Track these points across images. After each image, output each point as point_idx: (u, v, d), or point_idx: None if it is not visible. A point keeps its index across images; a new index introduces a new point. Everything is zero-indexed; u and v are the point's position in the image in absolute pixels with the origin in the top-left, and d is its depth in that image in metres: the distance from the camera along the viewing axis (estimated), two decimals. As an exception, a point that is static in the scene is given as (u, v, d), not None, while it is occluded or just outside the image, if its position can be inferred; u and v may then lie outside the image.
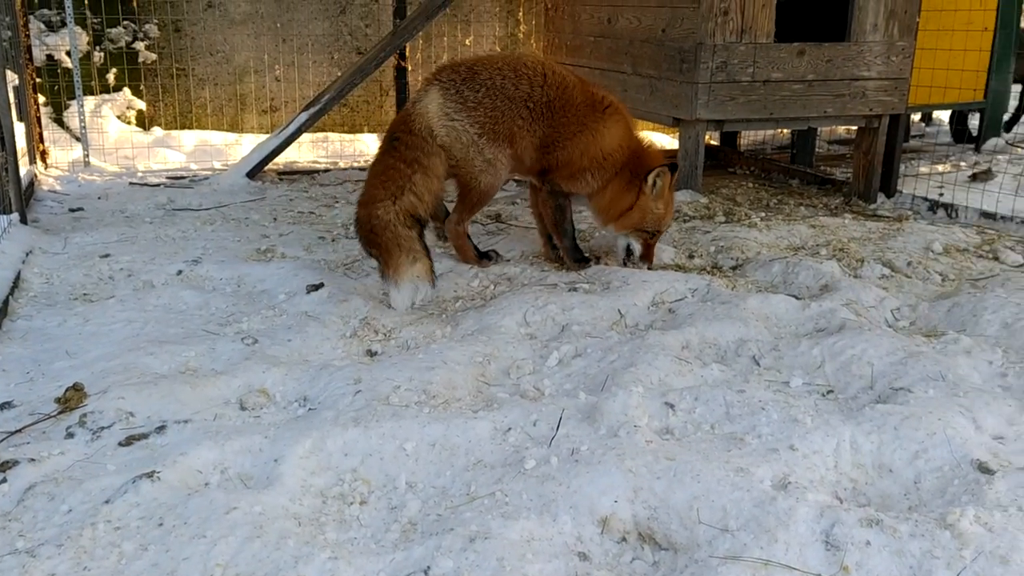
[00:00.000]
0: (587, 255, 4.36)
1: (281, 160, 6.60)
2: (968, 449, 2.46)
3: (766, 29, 5.68)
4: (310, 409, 2.80)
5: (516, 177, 4.83)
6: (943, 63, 6.90)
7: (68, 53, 6.70)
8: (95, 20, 6.95)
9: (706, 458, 2.40)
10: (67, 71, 6.80)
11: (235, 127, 7.47)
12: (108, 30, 7.02)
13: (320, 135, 7.44)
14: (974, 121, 8.42)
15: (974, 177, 6.59)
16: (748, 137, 8.26)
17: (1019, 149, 7.79)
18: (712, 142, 7.69)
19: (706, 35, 5.56)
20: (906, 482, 2.44)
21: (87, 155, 6.60)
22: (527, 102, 4.03)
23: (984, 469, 2.37)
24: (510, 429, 2.61)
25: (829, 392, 2.97)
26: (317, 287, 3.76)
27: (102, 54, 7.06)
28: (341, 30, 7.55)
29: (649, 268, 4.16)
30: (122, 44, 7.08)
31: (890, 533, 2.07)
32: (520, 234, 4.86)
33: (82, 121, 6.57)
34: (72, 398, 2.78)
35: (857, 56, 5.88)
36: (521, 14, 7.89)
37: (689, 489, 2.26)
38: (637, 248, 4.21)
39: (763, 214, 5.48)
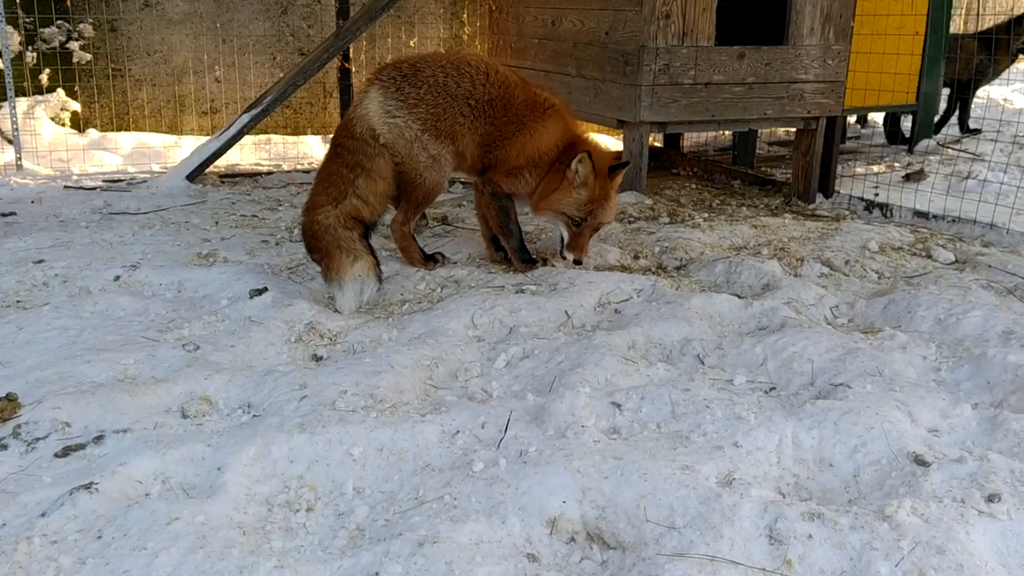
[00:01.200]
0: (534, 256, 4.34)
1: (222, 163, 6.49)
2: (904, 442, 2.53)
3: (707, 32, 5.77)
4: (254, 416, 2.75)
5: (461, 178, 4.83)
6: (877, 67, 7.08)
7: (-2, 53, 6.49)
8: (27, 19, 6.75)
9: (652, 457, 2.43)
10: (-3, 71, 6.59)
11: (174, 129, 7.32)
12: (41, 30, 6.81)
13: (263, 137, 7.33)
14: (907, 123, 8.67)
15: (907, 177, 6.79)
16: (691, 139, 8.38)
17: (950, 150, 8.04)
18: (656, 144, 7.78)
19: (648, 38, 5.63)
20: (846, 476, 2.49)
21: (19, 158, 6.40)
22: (468, 99, 4.06)
23: (920, 461, 2.44)
24: (458, 432, 2.61)
25: (772, 389, 3.03)
26: (261, 291, 3.70)
27: (35, 54, 6.85)
28: (283, 31, 7.45)
29: (576, 261, 4.07)
30: (56, 44, 6.88)
31: (831, 526, 2.12)
32: (467, 236, 4.85)
33: (14, 123, 6.37)
34: (5, 408, 2.69)
35: (795, 59, 6.01)
36: (465, 16, 7.89)
37: (636, 488, 2.28)
38: (565, 236, 4.10)
39: (706, 215, 5.56)
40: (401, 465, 2.47)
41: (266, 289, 3.72)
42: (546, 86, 4.65)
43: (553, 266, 4.26)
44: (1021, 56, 8.60)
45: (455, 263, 4.38)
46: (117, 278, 3.97)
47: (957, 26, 11.08)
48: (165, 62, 7.22)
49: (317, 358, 3.25)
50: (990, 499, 2.21)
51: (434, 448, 2.54)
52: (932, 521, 2.13)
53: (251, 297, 3.67)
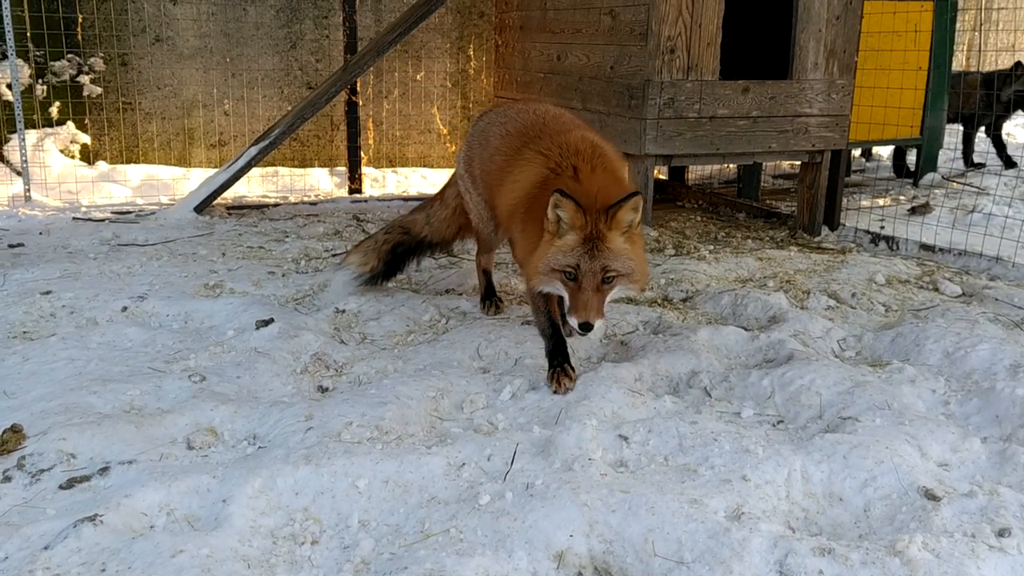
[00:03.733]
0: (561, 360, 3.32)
1: (230, 195, 6.53)
2: (915, 476, 2.51)
3: (711, 67, 5.82)
4: (260, 447, 2.74)
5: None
6: (881, 101, 7.13)
7: (8, 86, 6.57)
8: (38, 53, 6.84)
9: (660, 490, 2.41)
10: (8, 104, 6.66)
11: (183, 161, 7.38)
12: (52, 63, 6.90)
13: (270, 169, 7.38)
14: (911, 156, 8.70)
15: (913, 211, 6.80)
16: (696, 172, 8.42)
17: (955, 184, 8.06)
18: (661, 177, 7.81)
19: (653, 72, 5.68)
20: (856, 510, 2.47)
21: (28, 190, 6.45)
22: (487, 142, 3.80)
23: (930, 496, 2.41)
24: (464, 464, 2.59)
25: (779, 422, 3.01)
26: (267, 323, 3.70)
27: (45, 87, 6.93)
28: (292, 65, 7.54)
29: (582, 326, 2.95)
30: (66, 77, 6.97)
31: (842, 562, 2.09)
32: (470, 268, 4.86)
33: (23, 155, 6.43)
34: (9, 440, 2.68)
35: (799, 93, 6.05)
36: (471, 50, 7.97)
37: (644, 522, 2.26)
38: (564, 298, 3.05)
39: (711, 247, 5.57)
40: (407, 497, 2.46)
41: (272, 320, 3.72)
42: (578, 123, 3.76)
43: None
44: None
45: (460, 295, 4.38)
46: (124, 309, 3.98)
47: (959, 62, 11.16)
48: (175, 96, 7.30)
49: (323, 389, 3.25)
50: (1000, 534, 2.19)
51: (440, 480, 2.52)
52: (943, 556, 2.11)
53: (257, 328, 3.67)
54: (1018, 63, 8.31)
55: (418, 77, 7.83)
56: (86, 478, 2.52)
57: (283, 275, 4.69)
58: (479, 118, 4.04)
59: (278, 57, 7.48)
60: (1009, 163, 8.65)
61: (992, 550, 2.16)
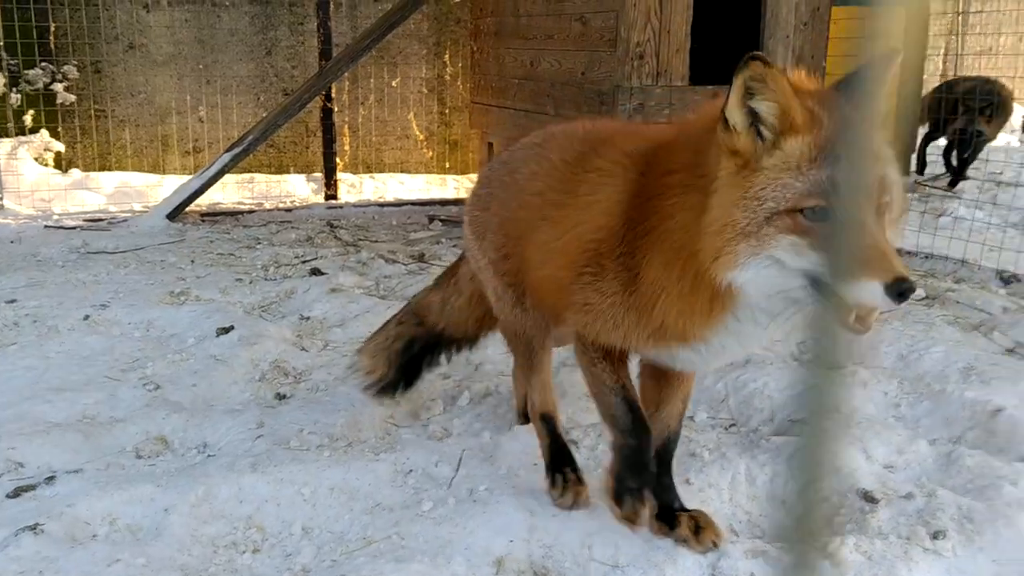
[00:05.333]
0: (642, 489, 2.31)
1: (204, 201, 6.53)
2: (856, 479, 2.53)
3: (681, 72, 5.85)
4: (208, 456, 2.75)
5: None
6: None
7: (-18, 94, 6.57)
8: (11, 61, 6.83)
9: (602, 493, 2.42)
10: (-19, 112, 6.66)
11: (157, 168, 7.37)
12: (25, 71, 6.90)
13: (246, 176, 7.38)
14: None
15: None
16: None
17: (926, 187, 8.11)
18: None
19: (623, 78, 5.71)
20: (798, 513, 2.49)
21: (1, 198, 6.44)
22: None
23: (869, 498, 2.44)
24: (411, 471, 2.61)
25: (732, 425, 3.03)
26: (227, 330, 3.71)
27: (19, 95, 6.92)
28: (267, 71, 7.55)
29: (895, 290, 1.69)
30: (40, 86, 6.96)
31: (774, 564, 2.11)
32: (438, 273, 4.86)
33: (-4, 163, 6.42)
34: (-41, 450, 2.68)
35: (769, 98, 6.08)
36: (447, 56, 8.00)
37: (584, 526, 2.28)
38: (798, 261, 1.84)
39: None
40: (352, 504, 2.47)
41: (232, 328, 3.73)
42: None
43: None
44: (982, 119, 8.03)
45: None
46: (87, 317, 3.98)
47: (937, 67, 11.23)
48: (149, 103, 7.30)
49: (280, 396, 3.25)
50: (935, 536, 2.21)
51: (386, 487, 2.53)
52: (875, 559, 2.13)
53: (217, 336, 3.68)
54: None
55: (394, 83, 7.85)
56: (32, 487, 2.52)
57: (251, 282, 4.69)
58: (491, 163, 3.00)
59: (253, 63, 7.49)
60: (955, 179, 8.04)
61: (926, 552, 2.19)
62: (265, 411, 2.99)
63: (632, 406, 2.28)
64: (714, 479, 2.56)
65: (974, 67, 11.48)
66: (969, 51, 11.55)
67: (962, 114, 7.59)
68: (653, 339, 2.09)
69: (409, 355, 3.01)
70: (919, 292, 4.67)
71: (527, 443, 2.70)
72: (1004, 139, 10.74)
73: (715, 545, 2.18)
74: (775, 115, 1.80)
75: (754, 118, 1.82)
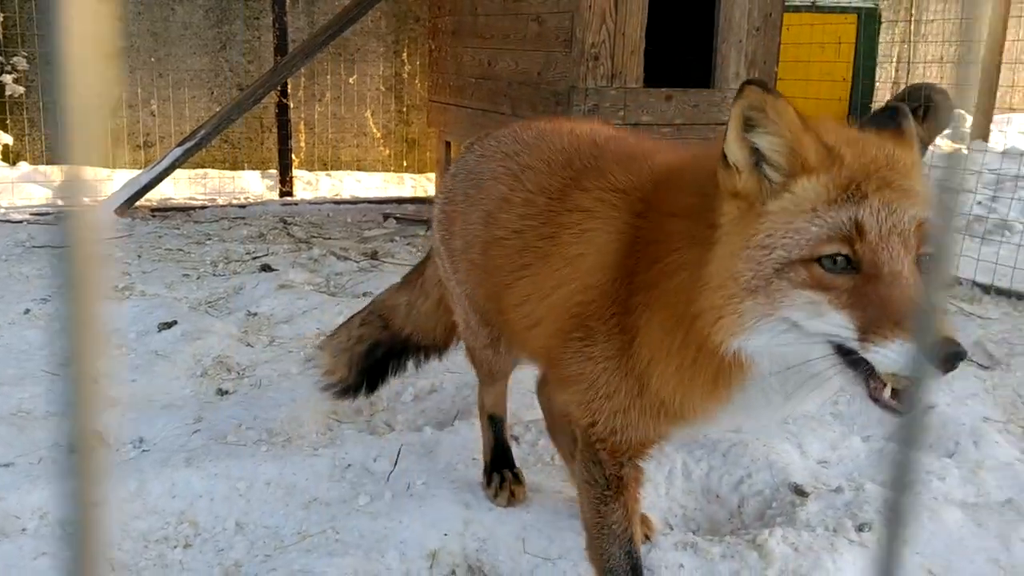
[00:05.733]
0: None
1: (155, 196, 6.44)
2: (788, 473, 2.58)
3: (635, 74, 5.90)
4: (144, 451, 2.72)
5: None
6: (804, 111, 7.29)
7: (-74, 84, 6.42)
8: (-43, 51, 6.68)
9: (539, 490, 2.45)
10: (-76, 102, 6.50)
11: (107, 162, 7.25)
12: (-28, 61, 6.75)
13: (199, 171, 7.30)
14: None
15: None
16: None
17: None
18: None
19: (578, 79, 5.74)
20: (731, 506, 2.53)
21: (-55, 190, 6.30)
22: None
23: (799, 492, 2.48)
24: (350, 466, 2.60)
25: (672, 422, 3.07)
26: (169, 325, 3.67)
27: (-35, 86, 6.78)
28: (222, 66, 7.46)
29: (943, 355, 1.33)
30: (-13, 76, 6.82)
31: (703, 555, 2.15)
32: (391, 270, 4.86)
33: (-61, 154, 6.27)
34: None
35: (722, 102, 6.16)
36: (406, 54, 7.98)
37: (519, 520, 2.30)
38: (817, 323, 1.50)
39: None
40: (288, 499, 2.46)
41: (175, 322, 3.69)
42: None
43: None
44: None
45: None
46: (27, 311, 3.91)
47: (889, 74, 11.46)
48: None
49: (222, 392, 3.22)
50: (861, 528, 2.26)
51: (323, 482, 2.52)
52: (802, 550, 2.17)
53: (159, 331, 3.64)
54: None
55: (351, 80, 7.81)
56: (-40, 482, 2.48)
57: (198, 278, 4.64)
58: (466, 152, 2.55)
59: (208, 57, 7.40)
60: None
61: (851, 544, 2.23)
62: (204, 406, 2.97)
63: (635, 564, 1.89)
64: (651, 474, 2.58)
65: (926, 75, 11.74)
66: (920, 59, 11.80)
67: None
68: (652, 417, 1.75)
69: (372, 360, 2.79)
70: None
71: (467, 438, 2.71)
72: (954, 146, 10.98)
73: (648, 539, 2.21)
74: (781, 152, 1.51)
75: (757, 155, 1.53)
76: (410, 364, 2.84)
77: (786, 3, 6.52)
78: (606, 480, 1.87)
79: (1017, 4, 10.86)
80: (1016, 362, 3.65)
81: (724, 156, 1.54)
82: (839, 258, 1.44)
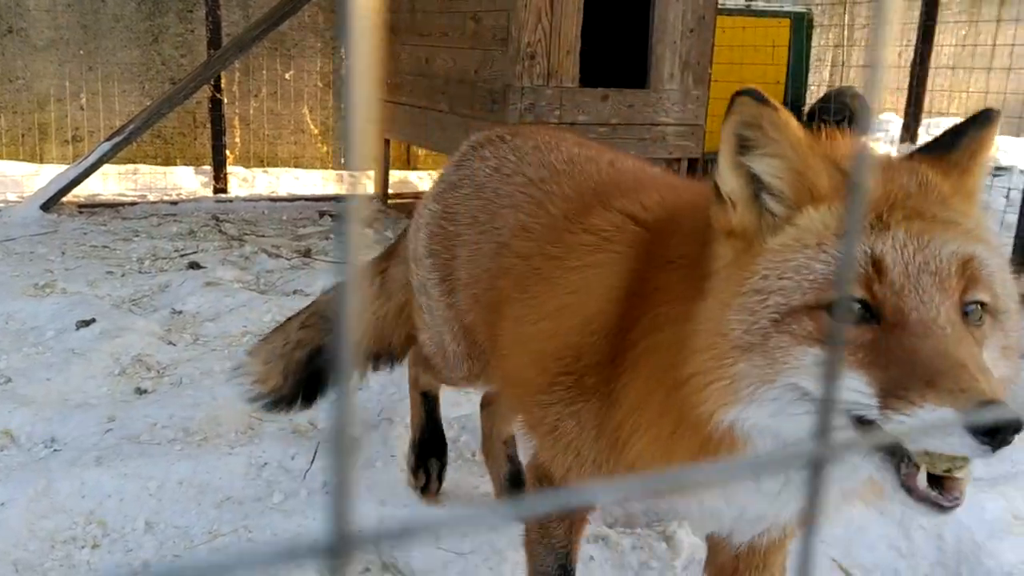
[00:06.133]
0: None
1: (83, 192, 6.29)
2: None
3: (571, 74, 5.95)
4: (55, 451, 2.66)
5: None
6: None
7: None
8: None
9: (456, 485, 2.45)
10: None
11: (35, 158, 7.07)
12: None
13: (130, 167, 7.14)
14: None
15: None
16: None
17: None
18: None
19: (514, 78, 5.76)
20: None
21: None
22: None
23: (712, 485, 2.54)
24: (266, 464, 2.58)
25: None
26: (88, 323, 3.59)
27: None
28: (154, 59, 7.32)
29: (985, 426, 1.04)
30: (-95, 66, 6.59)
31: (613, 548, 2.18)
32: (323, 269, 4.83)
33: None
34: None
35: (656, 103, 6.24)
36: (344, 51, 7.91)
37: (436, 514, 2.30)
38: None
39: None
40: (201, 498, 2.43)
41: (94, 320, 3.61)
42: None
43: None
44: None
45: (309, 296, 4.34)
46: (-58, 309, 3.79)
47: (823, 78, 11.72)
48: (27, 89, 6.99)
49: (140, 391, 3.17)
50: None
51: (238, 481, 2.50)
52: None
53: (77, 329, 3.56)
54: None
55: (288, 75, 7.73)
56: None
57: (123, 275, 4.55)
58: (470, 155, 2.22)
59: (139, 51, 7.26)
60: None
61: (759, 534, 2.28)
62: (120, 405, 2.91)
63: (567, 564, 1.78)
64: (568, 468, 2.61)
65: (860, 79, 12.04)
66: (854, 63, 12.10)
67: (816, 122, 8.02)
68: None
69: (313, 368, 2.46)
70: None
71: (386, 434, 2.71)
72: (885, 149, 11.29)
73: None
74: (784, 178, 1.27)
75: (756, 184, 1.30)
76: (355, 374, 2.50)
77: (720, 6, 6.63)
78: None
79: (945, 10, 11.21)
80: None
81: (716, 188, 1.31)
82: (854, 304, 1.17)
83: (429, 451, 2.43)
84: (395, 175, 7.74)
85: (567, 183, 1.84)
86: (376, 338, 2.46)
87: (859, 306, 1.17)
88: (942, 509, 1.13)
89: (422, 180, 8.04)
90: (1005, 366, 1.27)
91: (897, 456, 1.14)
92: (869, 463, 1.18)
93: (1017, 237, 4.75)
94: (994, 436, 1.02)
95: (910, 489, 1.13)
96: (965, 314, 1.19)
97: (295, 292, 4.45)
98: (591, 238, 1.60)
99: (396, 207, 6.83)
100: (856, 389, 1.13)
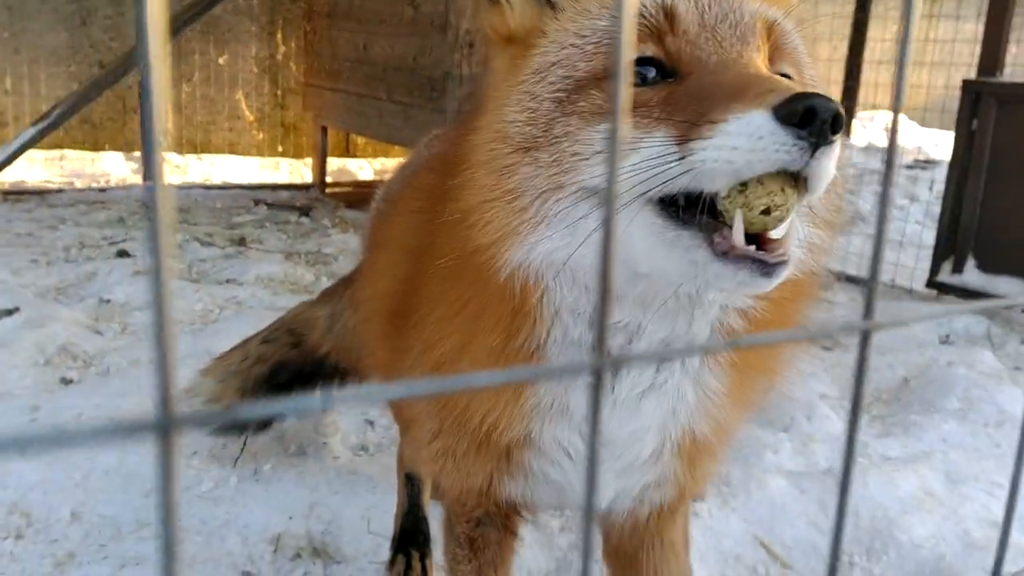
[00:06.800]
0: None
1: (7, 179, 6.10)
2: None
3: (509, 62, 5.95)
4: (-26, 442, 2.59)
5: None
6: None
7: None
8: None
9: (388, 470, 2.46)
10: None
11: (-44, 142, 6.81)
12: None
13: (56, 152, 6.94)
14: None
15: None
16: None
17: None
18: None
19: (453, 65, 5.75)
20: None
21: None
22: None
23: (640, 466, 2.59)
24: (196, 452, 2.55)
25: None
26: (10, 312, 3.50)
27: None
28: (82, 42, 7.11)
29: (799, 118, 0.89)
30: None
31: (543, 530, 2.21)
32: (257, 257, 4.77)
33: None
34: None
35: (594, 91, 6.29)
36: (281, 36, 7.80)
37: (364, 501, 2.31)
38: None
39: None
40: (128, 488, 2.39)
41: (17, 310, 3.52)
42: None
43: None
44: None
45: (241, 284, 4.29)
46: None
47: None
48: (-54, 70, 6.73)
49: (67, 381, 3.10)
50: (694, 499, 2.37)
51: (167, 469, 2.47)
52: (636, 521, 2.27)
53: (-1, 318, 3.46)
54: None
55: (221, 60, 7.58)
56: None
57: (48, 264, 4.43)
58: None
59: (68, 33, 7.03)
60: None
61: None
62: (44, 395, 2.85)
63: None
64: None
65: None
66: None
67: None
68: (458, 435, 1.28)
69: (274, 384, 2.27)
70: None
71: (318, 423, 2.70)
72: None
73: None
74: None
75: None
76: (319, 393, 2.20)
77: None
78: (456, 539, 1.49)
79: (879, 4, 11.50)
80: (854, 343, 3.90)
81: None
82: (648, 65, 1.01)
83: (409, 541, 2.15)
84: (334, 163, 7.67)
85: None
86: (344, 352, 2.22)
87: (651, 68, 1.00)
88: (766, 268, 0.91)
89: (361, 169, 7.99)
90: (814, 234, 1.10)
91: (707, 229, 0.94)
92: (677, 256, 0.95)
93: (940, 227, 4.93)
94: (809, 124, 0.87)
95: (726, 256, 0.92)
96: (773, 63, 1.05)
97: (228, 281, 4.40)
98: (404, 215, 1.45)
99: (334, 196, 6.77)
100: (656, 151, 0.94)
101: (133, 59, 6.21)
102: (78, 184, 6.52)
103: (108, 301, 3.89)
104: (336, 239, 5.39)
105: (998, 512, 2.50)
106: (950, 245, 4.91)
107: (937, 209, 5.18)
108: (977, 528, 2.39)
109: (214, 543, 2.15)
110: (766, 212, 0.91)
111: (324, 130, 7.16)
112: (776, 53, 1.06)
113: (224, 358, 2.38)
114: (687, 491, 1.39)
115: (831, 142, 0.88)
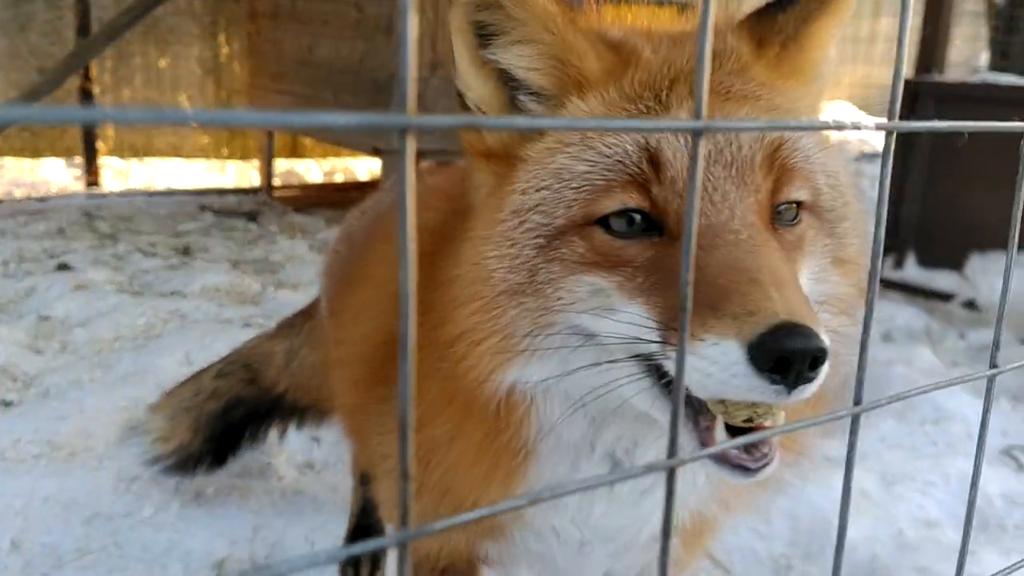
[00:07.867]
0: None
1: (-59, 188, 5.93)
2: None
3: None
4: (-94, 473, 2.53)
5: None
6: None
7: None
8: None
9: (334, 489, 2.46)
10: None
11: None
12: None
13: (-6, 160, 6.77)
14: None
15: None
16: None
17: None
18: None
19: (398, 68, 5.72)
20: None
21: None
22: None
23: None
24: (136, 478, 2.52)
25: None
26: (-56, 333, 3.41)
27: None
28: (20, 48, 6.93)
29: (783, 350, 0.85)
30: None
31: None
32: (203, 267, 4.71)
33: None
34: None
35: (541, 92, 6.31)
36: (224, 37, 7.68)
37: (309, 522, 2.31)
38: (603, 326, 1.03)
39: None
40: (68, 515, 2.36)
41: (-49, 331, 3.44)
42: None
43: None
44: None
45: (185, 296, 4.23)
46: None
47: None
48: None
49: (4, 403, 3.04)
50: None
51: (107, 495, 2.44)
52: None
53: (-68, 340, 3.38)
54: None
55: (163, 63, 7.45)
56: None
57: (-15, 279, 4.33)
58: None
59: (5, 40, 6.85)
60: None
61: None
62: (-19, 421, 2.79)
63: None
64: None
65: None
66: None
67: None
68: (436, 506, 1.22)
69: (227, 422, 2.24)
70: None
71: (263, 446, 2.68)
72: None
73: None
74: (542, 67, 1.03)
75: (509, 85, 1.06)
76: (273, 432, 2.31)
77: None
78: None
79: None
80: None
81: (461, 99, 1.08)
82: (633, 215, 0.96)
83: (357, 562, 2.13)
84: (281, 165, 7.59)
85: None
86: (302, 390, 2.19)
87: (638, 216, 0.95)
88: (747, 472, 0.91)
89: (309, 170, 7.91)
90: (838, 282, 1.06)
91: (694, 405, 0.92)
92: (662, 415, 0.97)
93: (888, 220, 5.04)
94: (786, 371, 0.81)
95: (706, 447, 0.92)
96: (778, 213, 0.98)
97: (172, 293, 4.33)
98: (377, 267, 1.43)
99: (282, 199, 6.70)
100: (636, 322, 0.92)
101: (73, 64, 6.08)
102: (16, 194, 6.36)
103: (47, 318, 3.81)
104: (284, 245, 5.34)
105: (931, 511, 2.58)
106: (891, 242, 5.02)
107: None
108: (910, 528, 2.46)
109: (155, 571, 2.13)
110: (748, 421, 0.92)
111: (269, 133, 7.08)
112: (785, 176, 0.98)
113: (174, 393, 2.34)
114: (686, 565, 1.40)
115: (810, 380, 0.85)
